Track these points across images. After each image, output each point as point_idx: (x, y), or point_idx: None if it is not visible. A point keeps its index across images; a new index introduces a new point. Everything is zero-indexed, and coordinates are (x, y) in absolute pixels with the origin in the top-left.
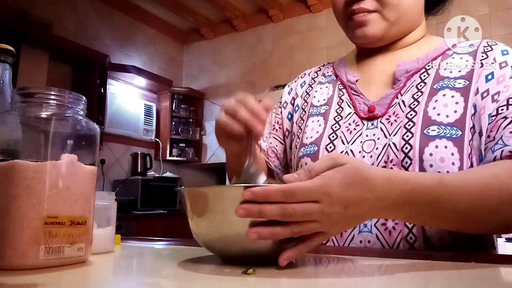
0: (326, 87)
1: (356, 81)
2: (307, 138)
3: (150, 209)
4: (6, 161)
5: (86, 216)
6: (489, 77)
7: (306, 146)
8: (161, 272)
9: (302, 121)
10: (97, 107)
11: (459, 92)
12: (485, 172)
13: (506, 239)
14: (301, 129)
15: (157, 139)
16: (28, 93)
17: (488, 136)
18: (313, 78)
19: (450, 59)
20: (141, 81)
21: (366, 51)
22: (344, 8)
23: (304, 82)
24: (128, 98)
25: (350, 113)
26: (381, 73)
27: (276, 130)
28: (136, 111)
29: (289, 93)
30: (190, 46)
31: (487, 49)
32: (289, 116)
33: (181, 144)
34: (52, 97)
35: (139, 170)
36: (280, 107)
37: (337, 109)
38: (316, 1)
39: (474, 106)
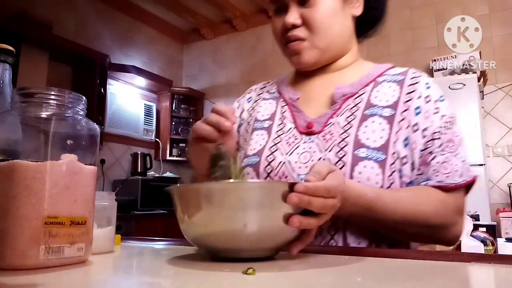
0: (270, 103)
1: (297, 99)
2: (251, 150)
3: (150, 209)
4: (6, 161)
5: (86, 216)
6: (417, 110)
7: (249, 157)
8: (161, 272)
9: (247, 134)
10: (97, 107)
11: (386, 119)
12: (412, 199)
13: (506, 239)
14: (246, 141)
15: (157, 139)
16: (28, 93)
17: (419, 169)
18: (258, 94)
19: (380, 86)
20: (141, 81)
21: (305, 73)
22: (281, 35)
23: (251, 97)
24: (128, 98)
25: (291, 128)
26: (319, 93)
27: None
28: (136, 111)
29: (237, 107)
30: (190, 46)
31: (413, 80)
32: (238, 130)
33: (181, 144)
34: (52, 97)
35: (139, 170)
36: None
37: (279, 124)
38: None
39: (397, 134)
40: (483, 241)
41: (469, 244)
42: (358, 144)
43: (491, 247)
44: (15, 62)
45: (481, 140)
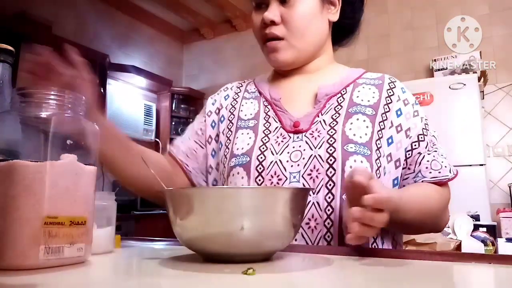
0: (251, 102)
1: (279, 99)
2: (237, 149)
3: (150, 209)
4: (6, 161)
5: (86, 216)
6: (398, 112)
7: (237, 157)
8: (161, 272)
9: (230, 132)
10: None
11: (369, 118)
12: (422, 195)
13: (506, 239)
14: (230, 140)
15: (157, 139)
16: (27, 93)
17: (409, 168)
18: (236, 93)
19: (361, 87)
20: (141, 81)
21: (283, 72)
22: (259, 31)
23: (228, 95)
24: (128, 98)
25: (277, 127)
26: (300, 93)
27: (199, 135)
28: (136, 111)
29: (213, 104)
30: (190, 46)
31: (391, 85)
32: (213, 124)
33: None
34: (52, 97)
35: None
36: (204, 116)
37: (265, 123)
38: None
39: (379, 133)
40: (483, 241)
41: (469, 244)
42: (346, 140)
43: (491, 247)
44: (15, 62)
45: (481, 140)
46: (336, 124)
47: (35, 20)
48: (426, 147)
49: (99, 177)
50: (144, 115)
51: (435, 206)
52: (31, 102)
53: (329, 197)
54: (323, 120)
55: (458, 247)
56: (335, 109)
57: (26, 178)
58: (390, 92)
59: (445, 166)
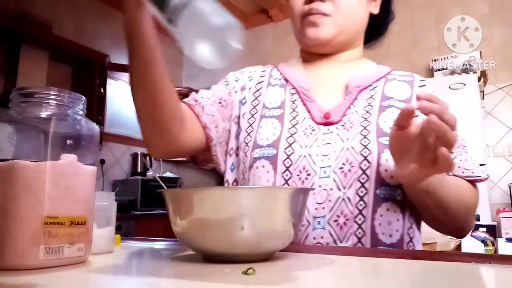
0: (277, 90)
1: (308, 88)
2: (262, 139)
3: (150, 209)
4: (6, 161)
5: (86, 216)
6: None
7: (262, 148)
8: (161, 272)
9: (253, 119)
10: (97, 107)
11: None
12: (458, 185)
13: (506, 239)
14: (252, 127)
15: None
16: (27, 93)
17: None
18: (261, 77)
19: (392, 82)
20: None
21: (312, 59)
22: (301, 6)
23: (251, 77)
24: (128, 98)
25: (305, 117)
26: (329, 82)
27: (223, 106)
28: None
29: (236, 80)
30: None
31: (422, 83)
32: (239, 103)
33: None
34: (52, 97)
35: (139, 170)
36: (229, 90)
37: (291, 112)
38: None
39: None
40: (484, 241)
41: (469, 244)
42: (380, 132)
43: (491, 247)
44: (15, 62)
45: (481, 140)
46: (370, 116)
47: (35, 20)
48: (458, 148)
49: (99, 177)
50: None
51: (468, 201)
52: (31, 102)
53: (362, 191)
54: (356, 111)
55: (458, 247)
56: (367, 101)
57: (26, 178)
58: (421, 90)
59: (477, 167)
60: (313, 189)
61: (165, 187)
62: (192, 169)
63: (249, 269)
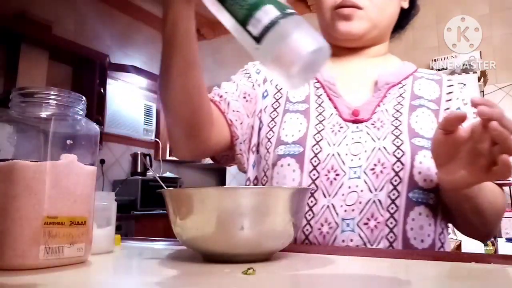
0: None
1: (334, 83)
2: (286, 135)
3: (150, 209)
4: (6, 161)
5: (86, 216)
6: (458, 110)
7: (287, 145)
8: (161, 272)
9: (276, 113)
10: (97, 107)
11: (433, 113)
12: (492, 189)
13: (506, 239)
14: (275, 122)
15: (157, 139)
16: (27, 93)
17: None
18: None
19: (421, 81)
20: (141, 81)
21: (338, 52)
22: None
23: None
24: (128, 98)
25: (332, 114)
26: (356, 78)
27: (247, 101)
28: (136, 111)
29: (257, 72)
30: None
31: (450, 82)
32: (262, 96)
33: None
34: (52, 97)
35: (139, 170)
36: (252, 82)
37: (317, 107)
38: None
39: None
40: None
41: (469, 244)
42: (413, 133)
43: (491, 247)
44: (15, 62)
45: None
46: (400, 115)
47: (35, 20)
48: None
49: (99, 177)
50: (144, 115)
51: (500, 206)
52: (31, 102)
53: (394, 194)
54: (386, 109)
55: (458, 247)
56: (397, 100)
57: (26, 178)
58: (449, 90)
59: None
60: (312, 190)
61: (165, 187)
62: (192, 169)
63: (249, 269)
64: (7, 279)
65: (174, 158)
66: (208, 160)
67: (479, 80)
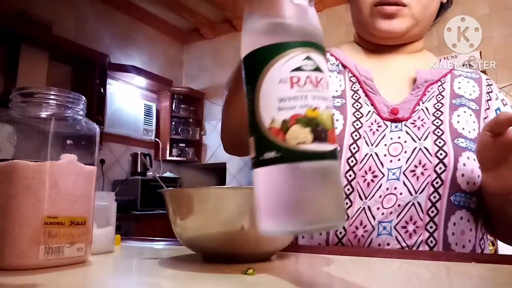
0: (336, 76)
1: (371, 78)
2: None
3: (150, 209)
4: (6, 161)
5: (86, 216)
6: (498, 111)
7: None
8: (161, 272)
9: None
10: (97, 107)
11: (474, 113)
12: None
13: None
14: None
15: (157, 139)
16: (27, 93)
17: None
18: None
19: (460, 79)
20: (141, 81)
21: (374, 48)
22: None
23: None
24: (128, 98)
25: (370, 111)
26: (393, 75)
27: None
28: (136, 111)
29: None
30: (190, 46)
31: (489, 81)
32: None
33: (181, 144)
34: (52, 97)
35: (139, 170)
36: None
37: (354, 103)
38: (316, 1)
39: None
40: None
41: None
42: (455, 133)
43: (491, 247)
44: (15, 62)
45: None
46: (441, 114)
47: (35, 20)
48: None
49: (99, 177)
50: (144, 115)
51: None
52: (31, 102)
53: (435, 197)
54: (426, 108)
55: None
56: (436, 98)
57: (26, 178)
58: (489, 89)
59: None
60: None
61: (165, 187)
62: (192, 169)
63: (249, 269)
64: (7, 279)
65: (174, 158)
66: (208, 160)
67: None
